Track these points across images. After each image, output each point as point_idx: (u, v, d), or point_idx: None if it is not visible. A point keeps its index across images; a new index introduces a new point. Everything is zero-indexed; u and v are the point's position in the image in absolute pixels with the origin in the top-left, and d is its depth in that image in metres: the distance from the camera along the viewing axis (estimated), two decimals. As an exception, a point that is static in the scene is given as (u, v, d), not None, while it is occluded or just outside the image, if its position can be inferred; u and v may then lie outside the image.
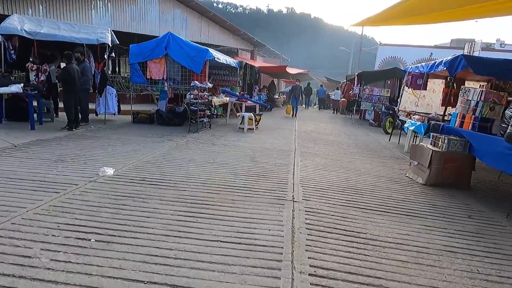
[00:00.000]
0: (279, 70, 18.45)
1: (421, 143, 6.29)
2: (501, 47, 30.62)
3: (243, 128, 9.34)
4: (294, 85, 12.68)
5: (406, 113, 9.07)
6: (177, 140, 7.46)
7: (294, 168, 5.82)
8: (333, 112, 20.99)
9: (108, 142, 6.73)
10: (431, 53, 30.62)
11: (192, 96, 8.42)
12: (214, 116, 12.11)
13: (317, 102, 30.64)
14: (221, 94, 10.69)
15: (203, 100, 8.88)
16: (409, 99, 9.78)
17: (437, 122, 6.61)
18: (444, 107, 9.73)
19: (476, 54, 21.23)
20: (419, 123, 7.49)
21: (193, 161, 5.75)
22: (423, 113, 9.04)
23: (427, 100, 9.76)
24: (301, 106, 21.29)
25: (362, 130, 12.43)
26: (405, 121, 8.34)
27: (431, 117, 7.46)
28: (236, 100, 10.26)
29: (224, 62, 11.49)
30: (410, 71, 9.08)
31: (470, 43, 20.78)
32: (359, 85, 14.53)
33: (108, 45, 8.55)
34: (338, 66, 55.49)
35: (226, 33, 24.28)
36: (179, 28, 20.03)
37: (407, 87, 9.43)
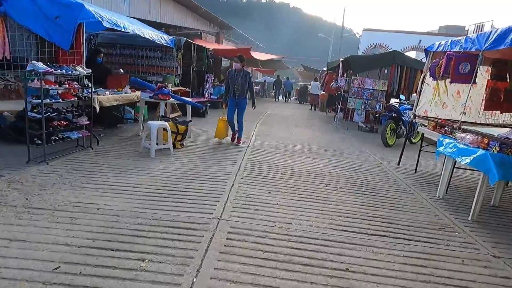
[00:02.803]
0: (243, 54, 14.25)
1: None
2: None
3: (150, 150, 5.24)
4: (230, 70, 6.42)
5: (434, 124, 5.27)
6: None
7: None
8: (311, 109, 17.15)
9: None
10: (420, 40, 27.24)
11: (32, 95, 4.27)
12: (129, 120, 7.91)
13: (294, 95, 26.81)
14: (127, 87, 6.50)
15: (69, 100, 4.72)
16: (433, 98, 6.06)
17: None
18: (491, 111, 6.04)
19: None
20: (480, 150, 3.67)
21: None
22: (468, 123, 5.28)
23: (462, 99, 6.05)
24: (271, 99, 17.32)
25: (351, 141, 8.58)
26: (441, 140, 4.52)
27: (503, 137, 3.66)
28: (151, 96, 6.15)
29: (146, 37, 7.31)
30: (443, 50, 5.23)
31: (477, 25, 17.38)
32: (345, 75, 10.70)
33: None
34: (318, 55, 51.98)
35: (183, 11, 19.70)
36: (119, 1, 15.43)
37: (432, 79, 5.59)
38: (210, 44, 13.89)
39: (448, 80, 5.52)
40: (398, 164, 6.25)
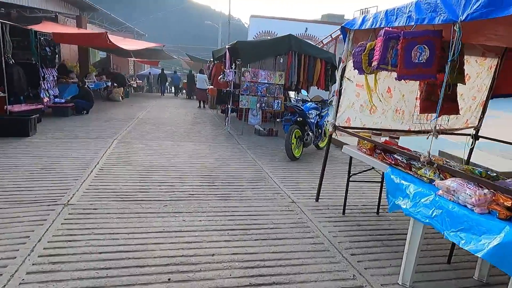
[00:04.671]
0: (95, 39, 10.60)
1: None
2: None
3: None
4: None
5: (370, 146, 3.28)
6: None
7: None
8: (199, 107, 14.57)
9: None
10: (306, 28, 27.14)
11: None
12: None
13: (181, 90, 23.83)
14: None
15: None
16: (358, 100, 4.19)
17: None
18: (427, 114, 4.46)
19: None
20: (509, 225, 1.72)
21: None
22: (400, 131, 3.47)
23: (395, 99, 4.31)
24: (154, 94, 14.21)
25: (246, 159, 6.36)
26: (400, 185, 2.52)
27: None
28: None
29: None
30: (374, 26, 3.25)
31: (362, 10, 17.23)
32: (233, 67, 8.43)
33: None
34: (208, 44, 49.34)
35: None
36: None
37: (358, 72, 3.58)
38: (47, 27, 9.91)
39: (385, 74, 3.64)
40: (317, 200, 4.23)
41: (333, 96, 7.48)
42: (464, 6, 2.28)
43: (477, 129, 4.63)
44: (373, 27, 3.35)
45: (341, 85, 4.00)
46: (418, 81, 4.00)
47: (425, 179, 2.53)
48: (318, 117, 6.91)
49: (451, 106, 3.74)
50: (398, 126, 4.32)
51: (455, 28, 2.38)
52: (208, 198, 4.06)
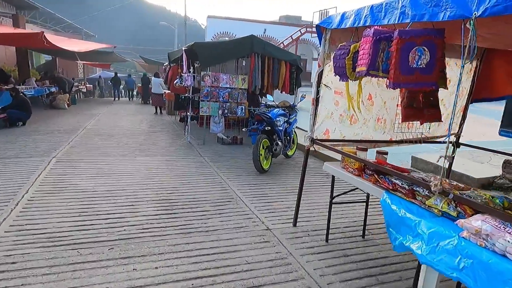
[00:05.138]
0: (28, 39, 9.23)
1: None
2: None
3: None
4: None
5: (358, 165, 2.79)
6: None
7: None
8: (156, 113, 13.57)
9: None
10: (265, 29, 26.91)
11: None
12: None
13: (137, 94, 22.48)
14: None
15: None
16: (337, 109, 3.68)
17: None
18: (408, 123, 4.10)
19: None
20: None
21: None
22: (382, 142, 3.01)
23: (376, 107, 3.86)
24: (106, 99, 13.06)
25: (211, 174, 5.70)
26: (410, 221, 2.02)
27: None
28: None
29: None
30: (356, 25, 2.76)
31: (321, 12, 17.10)
32: (191, 70, 7.69)
33: None
34: (164, 46, 47.48)
35: None
36: None
37: (340, 79, 3.07)
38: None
39: (367, 79, 3.19)
40: (295, 225, 3.68)
41: (301, 100, 7.05)
42: (480, -2, 1.83)
43: (457, 136, 4.35)
44: (355, 25, 2.86)
45: (318, 92, 3.48)
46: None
47: (436, 211, 2.06)
48: (286, 124, 6.41)
49: (433, 113, 3.36)
50: (380, 136, 3.90)
51: (467, 25, 1.93)
52: (165, 232, 3.34)
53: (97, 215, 3.63)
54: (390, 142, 3.99)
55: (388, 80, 2.38)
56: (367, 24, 2.70)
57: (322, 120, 3.56)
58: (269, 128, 5.78)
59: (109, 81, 23.61)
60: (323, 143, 3.48)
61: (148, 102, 17.43)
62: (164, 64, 17.71)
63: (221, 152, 7.13)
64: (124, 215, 3.66)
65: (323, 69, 3.43)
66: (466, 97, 4.22)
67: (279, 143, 5.92)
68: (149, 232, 3.32)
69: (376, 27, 2.54)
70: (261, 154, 5.58)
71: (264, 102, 8.89)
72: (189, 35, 27.84)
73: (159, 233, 3.32)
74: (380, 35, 2.45)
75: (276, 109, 6.52)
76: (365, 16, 2.74)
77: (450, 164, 4.39)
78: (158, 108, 13.67)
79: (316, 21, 18.09)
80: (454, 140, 4.29)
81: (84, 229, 3.28)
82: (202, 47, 7.56)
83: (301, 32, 18.73)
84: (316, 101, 3.50)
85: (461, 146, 4.26)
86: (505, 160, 5.22)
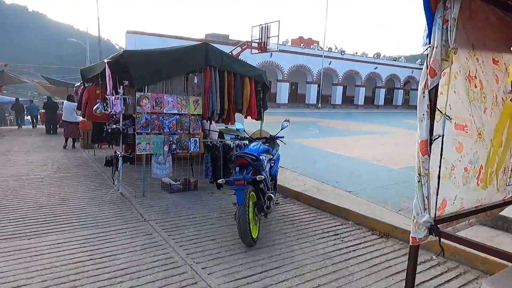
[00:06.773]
0: None
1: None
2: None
3: None
4: None
5: None
6: None
7: None
8: (65, 146, 10.40)
9: None
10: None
11: None
12: None
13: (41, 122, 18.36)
14: None
15: None
16: (460, 159, 1.97)
17: None
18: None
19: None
20: None
21: None
22: None
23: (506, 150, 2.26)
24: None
25: (167, 261, 3.45)
26: None
27: None
28: None
29: None
30: None
31: (262, 26, 15.86)
32: (120, 91, 5.34)
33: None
34: (73, 65, 42.12)
35: None
36: None
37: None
38: None
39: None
40: None
41: (282, 128, 5.22)
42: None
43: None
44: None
45: (432, 129, 1.68)
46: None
47: None
48: (269, 163, 4.51)
49: None
50: (498, 197, 2.25)
51: None
52: None
53: None
54: (504, 204, 2.36)
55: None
56: None
57: (438, 184, 1.76)
58: (257, 171, 3.80)
59: (10, 108, 20.88)
60: (451, 236, 1.67)
61: (52, 131, 13.90)
62: (76, 85, 14.45)
63: (172, 206, 4.89)
64: None
65: (439, 81, 1.65)
66: None
67: (272, 195, 3.95)
68: None
69: None
70: (251, 215, 3.56)
71: (229, 133, 6.84)
72: (104, 53, 24.50)
73: None
74: None
75: (254, 143, 4.58)
76: None
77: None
78: (68, 141, 10.53)
79: (256, 36, 16.79)
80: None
81: None
82: (136, 57, 5.27)
83: (241, 48, 17.38)
84: (429, 148, 1.69)
85: None
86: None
